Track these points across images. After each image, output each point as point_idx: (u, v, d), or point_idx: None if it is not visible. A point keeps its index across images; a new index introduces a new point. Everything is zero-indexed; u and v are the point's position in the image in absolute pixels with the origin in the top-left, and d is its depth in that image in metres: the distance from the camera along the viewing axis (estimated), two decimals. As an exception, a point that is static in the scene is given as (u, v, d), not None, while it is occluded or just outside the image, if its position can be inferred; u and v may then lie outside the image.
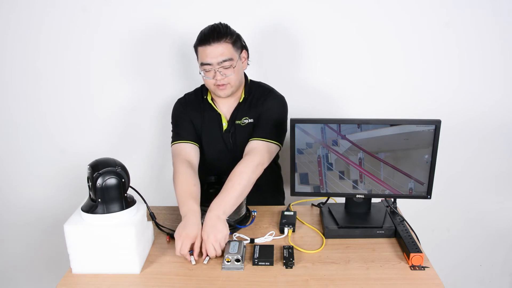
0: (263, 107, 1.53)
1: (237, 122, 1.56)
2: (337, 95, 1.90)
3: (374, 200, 1.46)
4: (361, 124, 1.31)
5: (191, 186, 1.39)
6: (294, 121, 1.33)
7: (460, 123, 1.91)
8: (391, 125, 1.30)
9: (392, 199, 1.50)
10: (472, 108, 1.90)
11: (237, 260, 1.20)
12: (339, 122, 1.32)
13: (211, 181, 1.55)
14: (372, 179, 1.37)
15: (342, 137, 1.33)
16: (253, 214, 1.51)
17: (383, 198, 1.52)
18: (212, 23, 1.45)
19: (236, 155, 1.56)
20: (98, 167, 1.17)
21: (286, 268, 1.20)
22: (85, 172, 1.20)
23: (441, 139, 1.29)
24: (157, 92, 1.92)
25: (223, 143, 1.60)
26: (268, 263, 1.21)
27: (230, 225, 1.40)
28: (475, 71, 1.85)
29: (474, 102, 1.89)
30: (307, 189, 1.41)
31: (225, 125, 1.58)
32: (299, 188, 1.42)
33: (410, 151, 1.31)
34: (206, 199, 1.39)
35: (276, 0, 1.76)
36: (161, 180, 2.07)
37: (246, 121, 1.55)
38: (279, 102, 1.57)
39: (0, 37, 1.83)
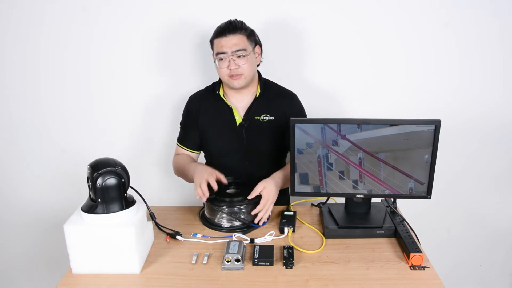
0: (292, 108, 1.61)
1: (256, 117, 1.59)
2: (337, 95, 1.90)
3: (374, 200, 1.46)
4: (361, 124, 1.31)
5: (192, 160, 1.66)
6: (294, 121, 1.33)
7: (460, 123, 1.91)
8: (391, 125, 1.30)
9: (392, 199, 1.50)
10: (472, 108, 1.90)
11: (237, 260, 1.20)
12: (339, 122, 1.32)
13: (229, 181, 1.51)
14: (372, 179, 1.37)
15: (342, 137, 1.33)
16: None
17: (383, 198, 1.52)
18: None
19: (248, 151, 1.60)
20: (98, 167, 1.17)
21: (286, 268, 1.20)
22: (85, 172, 1.20)
23: (441, 139, 1.29)
24: (156, 92, 1.92)
25: (236, 138, 1.60)
26: (268, 263, 1.21)
27: (245, 225, 1.42)
28: (475, 71, 1.85)
29: (474, 102, 1.89)
30: (307, 189, 1.41)
31: (238, 119, 1.60)
32: (299, 188, 1.42)
33: (410, 151, 1.31)
34: (222, 198, 1.41)
35: (279, 1, 1.77)
36: (162, 180, 2.06)
37: (267, 118, 1.59)
38: (300, 102, 1.66)
39: (0, 37, 1.83)
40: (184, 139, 1.68)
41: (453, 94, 1.88)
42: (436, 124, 1.27)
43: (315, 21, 1.80)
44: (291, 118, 1.33)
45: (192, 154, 1.68)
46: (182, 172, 1.62)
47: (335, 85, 1.89)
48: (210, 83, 1.69)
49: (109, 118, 1.96)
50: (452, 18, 1.77)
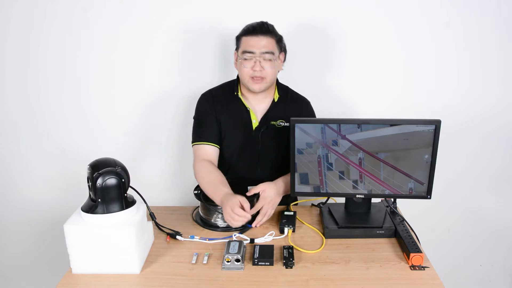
0: (305, 115, 1.59)
1: (272, 122, 1.57)
2: (337, 95, 1.90)
3: (374, 200, 1.46)
4: (361, 124, 1.31)
5: (217, 174, 1.47)
6: (294, 121, 1.33)
7: (460, 123, 1.91)
8: (391, 125, 1.30)
9: (392, 199, 1.50)
10: (472, 108, 1.90)
11: (237, 260, 1.20)
12: (339, 122, 1.32)
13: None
14: (372, 179, 1.37)
15: (342, 137, 1.33)
16: None
17: (383, 198, 1.52)
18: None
19: (261, 155, 1.58)
20: (98, 167, 1.17)
21: (286, 268, 1.20)
22: (85, 172, 1.20)
23: (441, 139, 1.29)
24: (156, 93, 1.92)
25: (250, 141, 1.58)
26: (268, 263, 1.21)
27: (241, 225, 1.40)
28: (475, 71, 1.85)
29: (474, 102, 1.89)
30: (307, 189, 1.41)
31: (255, 122, 1.58)
32: (299, 188, 1.42)
33: (410, 151, 1.32)
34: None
35: (275, 2, 1.77)
36: (163, 180, 2.06)
37: (282, 123, 1.58)
38: (312, 109, 1.66)
39: (0, 37, 1.83)
40: (204, 134, 1.56)
41: (453, 94, 1.88)
42: (436, 124, 1.28)
43: (314, 21, 1.79)
44: (291, 118, 1.33)
45: (215, 150, 1.56)
46: (209, 187, 1.44)
47: (335, 85, 1.89)
48: (215, 84, 1.65)
49: (109, 118, 1.96)
50: (453, 18, 1.77)
